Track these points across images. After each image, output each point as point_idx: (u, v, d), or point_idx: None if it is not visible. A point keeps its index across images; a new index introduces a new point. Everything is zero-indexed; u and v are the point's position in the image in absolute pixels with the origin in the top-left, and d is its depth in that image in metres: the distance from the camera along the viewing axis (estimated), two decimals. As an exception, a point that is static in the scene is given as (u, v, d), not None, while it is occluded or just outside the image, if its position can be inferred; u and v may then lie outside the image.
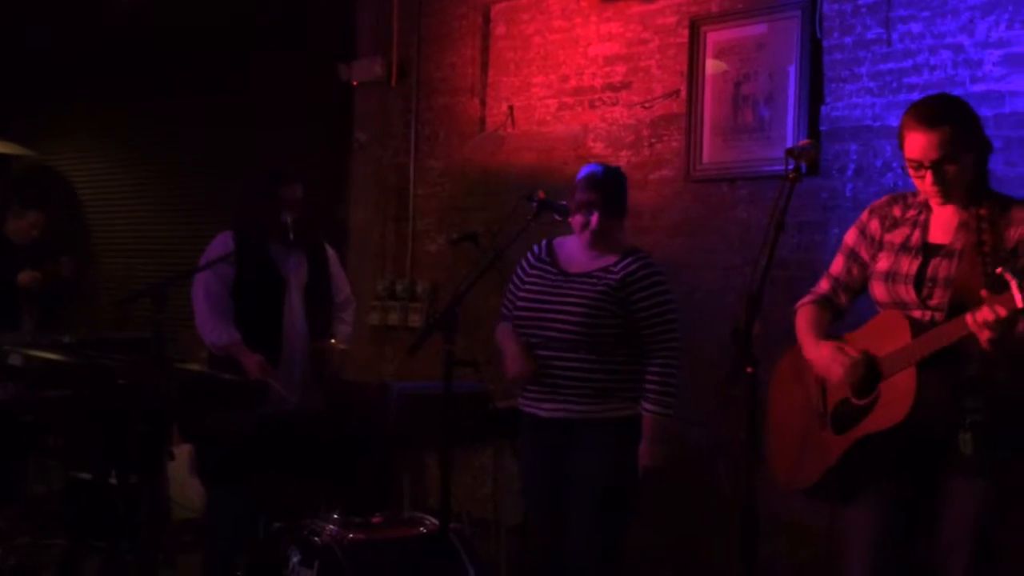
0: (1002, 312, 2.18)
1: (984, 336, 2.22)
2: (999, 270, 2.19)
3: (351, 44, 6.04)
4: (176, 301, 3.77)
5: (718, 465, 4.35)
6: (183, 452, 4.83)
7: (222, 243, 3.88)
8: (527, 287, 3.36)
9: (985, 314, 2.20)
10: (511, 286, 3.45)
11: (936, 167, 2.45)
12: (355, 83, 5.96)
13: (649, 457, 3.20)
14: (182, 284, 3.84)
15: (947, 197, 2.50)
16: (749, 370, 2.24)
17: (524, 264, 3.43)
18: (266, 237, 3.84)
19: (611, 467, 3.21)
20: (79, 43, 7.61)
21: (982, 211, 2.46)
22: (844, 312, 2.75)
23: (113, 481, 3.84)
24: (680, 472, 4.27)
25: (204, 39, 6.87)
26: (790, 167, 2.46)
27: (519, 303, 3.36)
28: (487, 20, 5.54)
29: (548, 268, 3.35)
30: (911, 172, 2.51)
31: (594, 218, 3.24)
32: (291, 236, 3.83)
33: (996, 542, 2.45)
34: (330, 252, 4.13)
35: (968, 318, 2.25)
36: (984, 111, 3.78)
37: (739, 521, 2.29)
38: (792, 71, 4.33)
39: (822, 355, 2.59)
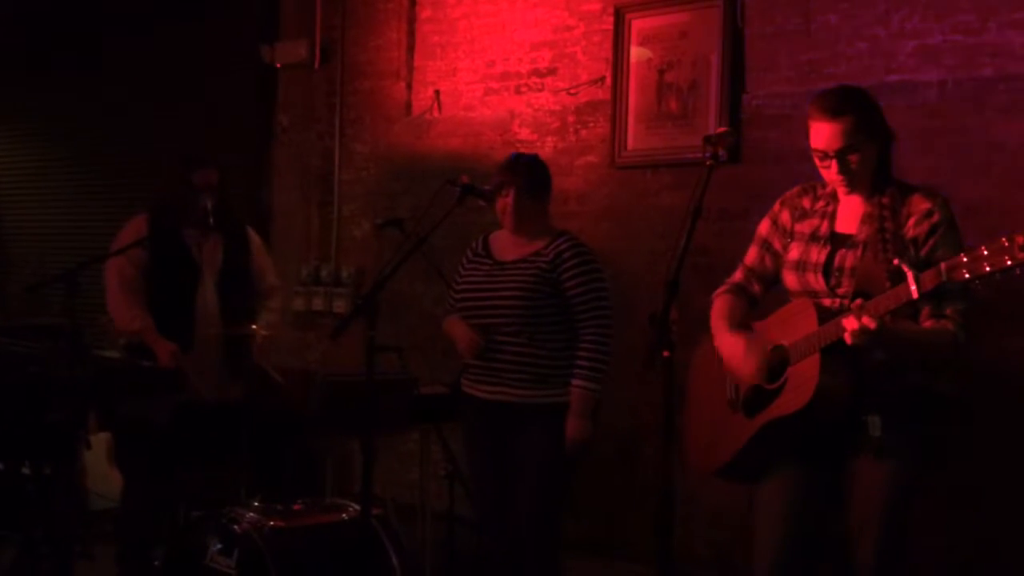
0: (870, 324, 2.26)
1: (849, 340, 2.30)
2: (896, 261, 2.26)
3: (274, 25, 5.94)
4: (90, 287, 3.68)
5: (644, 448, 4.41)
6: (101, 441, 4.73)
7: (135, 228, 3.80)
8: (465, 280, 3.41)
9: (851, 323, 2.29)
10: (453, 284, 3.49)
11: (841, 156, 2.51)
12: (278, 65, 5.87)
13: (575, 431, 3.24)
14: (96, 269, 3.75)
15: (853, 186, 2.56)
16: (666, 354, 2.27)
17: (463, 261, 3.48)
18: (181, 223, 3.77)
19: (550, 453, 3.24)
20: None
21: (884, 199, 2.53)
22: (759, 301, 2.80)
23: (26, 471, 3.76)
24: (600, 455, 4.32)
25: (122, 16, 6.69)
26: (708, 154, 2.49)
27: (458, 296, 3.41)
28: (413, 3, 5.49)
29: (484, 260, 3.40)
30: (817, 162, 2.57)
31: (509, 198, 3.29)
32: (211, 221, 3.77)
33: (904, 521, 2.53)
34: (254, 239, 4.07)
35: (843, 321, 2.32)
36: (898, 101, 3.88)
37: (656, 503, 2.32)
38: (715, 59, 4.38)
39: (736, 349, 2.64)
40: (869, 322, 2.26)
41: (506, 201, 3.31)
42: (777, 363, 2.56)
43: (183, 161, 3.87)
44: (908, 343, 2.43)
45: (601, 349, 3.26)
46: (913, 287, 2.21)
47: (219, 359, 3.78)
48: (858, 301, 2.31)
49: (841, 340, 2.36)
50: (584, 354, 3.25)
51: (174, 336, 3.69)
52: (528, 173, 3.34)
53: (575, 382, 3.25)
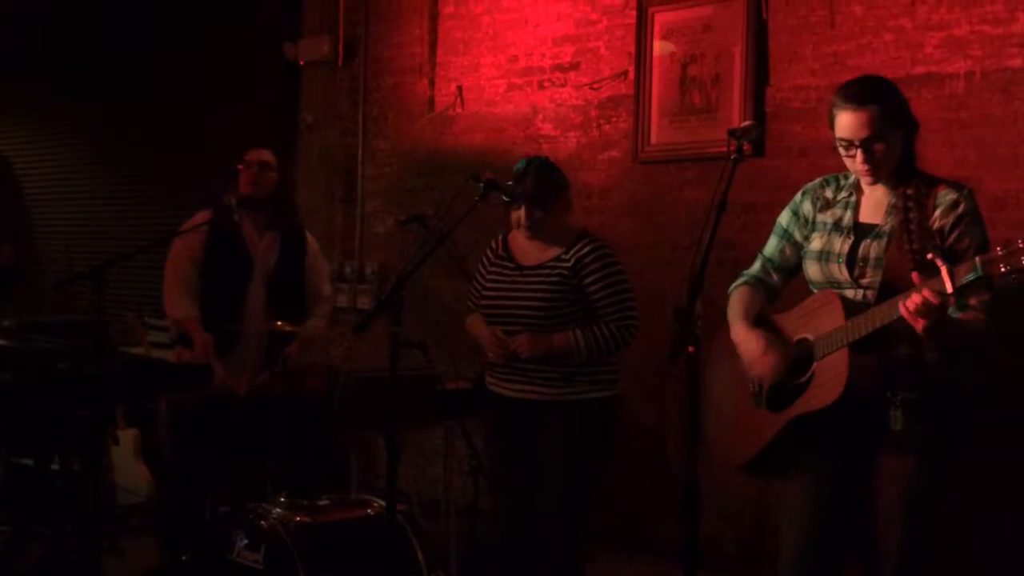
0: (931, 297, 2.21)
1: (920, 324, 2.25)
2: (930, 255, 2.23)
3: (297, 23, 5.97)
4: (117, 284, 3.72)
5: (667, 443, 4.40)
6: (128, 436, 4.77)
7: (200, 219, 3.92)
8: (489, 283, 3.40)
9: (916, 300, 2.23)
10: (475, 283, 3.48)
11: (866, 145, 2.49)
12: (302, 62, 5.90)
13: (526, 343, 3.20)
14: (123, 267, 3.79)
15: (877, 176, 2.54)
16: (691, 349, 2.26)
17: (484, 260, 3.47)
18: (238, 208, 3.87)
19: (576, 449, 3.23)
20: (13, 19, 7.42)
21: (909, 190, 2.50)
22: (778, 292, 2.78)
23: (55, 466, 3.80)
24: (626, 449, 4.31)
25: (147, 17, 6.74)
26: (732, 148, 2.48)
27: (483, 298, 3.41)
28: (436, -1, 5.50)
29: (506, 263, 3.39)
30: (841, 152, 2.55)
31: (521, 211, 3.27)
32: (261, 194, 3.86)
33: (930, 516, 2.51)
34: (311, 244, 4.12)
35: (901, 306, 2.27)
36: (925, 93, 3.85)
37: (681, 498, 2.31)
38: (738, 53, 4.36)
39: (753, 346, 2.62)
40: (929, 294, 2.21)
41: (518, 213, 3.28)
42: (802, 357, 2.54)
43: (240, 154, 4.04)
44: (954, 329, 2.37)
45: (616, 337, 3.23)
46: (948, 282, 2.18)
47: (261, 357, 3.82)
48: (915, 274, 2.27)
49: (868, 335, 2.34)
50: (599, 328, 3.21)
51: (220, 330, 3.76)
52: (535, 184, 3.27)
53: (576, 330, 3.21)
